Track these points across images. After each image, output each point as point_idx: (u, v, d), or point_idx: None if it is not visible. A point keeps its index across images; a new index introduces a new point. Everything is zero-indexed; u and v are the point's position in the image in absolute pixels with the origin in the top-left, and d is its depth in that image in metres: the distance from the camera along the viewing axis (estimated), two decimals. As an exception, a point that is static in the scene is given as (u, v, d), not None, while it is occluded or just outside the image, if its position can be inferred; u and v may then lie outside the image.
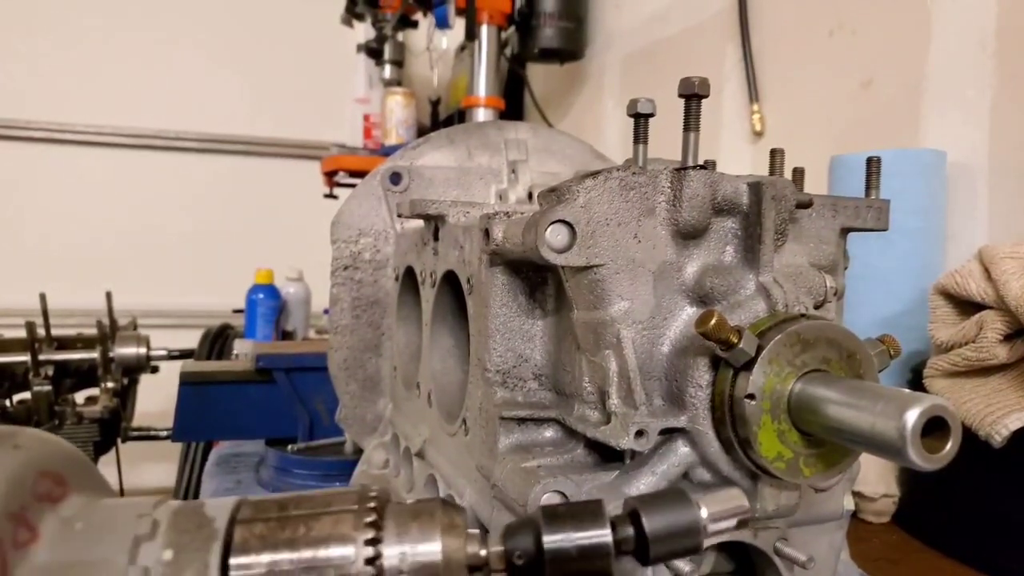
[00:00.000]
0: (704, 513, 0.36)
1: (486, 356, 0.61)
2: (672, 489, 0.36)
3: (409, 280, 0.89)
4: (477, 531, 0.35)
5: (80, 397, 1.51)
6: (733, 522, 0.36)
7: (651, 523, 0.36)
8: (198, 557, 0.33)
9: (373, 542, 0.34)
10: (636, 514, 0.36)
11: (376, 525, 0.34)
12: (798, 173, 0.62)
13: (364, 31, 2.73)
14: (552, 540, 0.34)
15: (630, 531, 0.36)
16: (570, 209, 0.51)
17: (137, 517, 0.34)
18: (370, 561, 0.33)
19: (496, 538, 0.35)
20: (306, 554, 0.33)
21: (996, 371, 0.86)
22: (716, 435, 0.51)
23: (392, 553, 0.34)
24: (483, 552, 0.35)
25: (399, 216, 0.92)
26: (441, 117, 2.73)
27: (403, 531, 0.34)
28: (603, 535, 0.35)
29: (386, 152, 2.30)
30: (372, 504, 0.35)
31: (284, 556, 0.33)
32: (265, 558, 0.33)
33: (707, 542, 0.38)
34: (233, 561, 0.33)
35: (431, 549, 0.34)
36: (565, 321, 0.58)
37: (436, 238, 0.76)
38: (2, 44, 3.05)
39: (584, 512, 0.35)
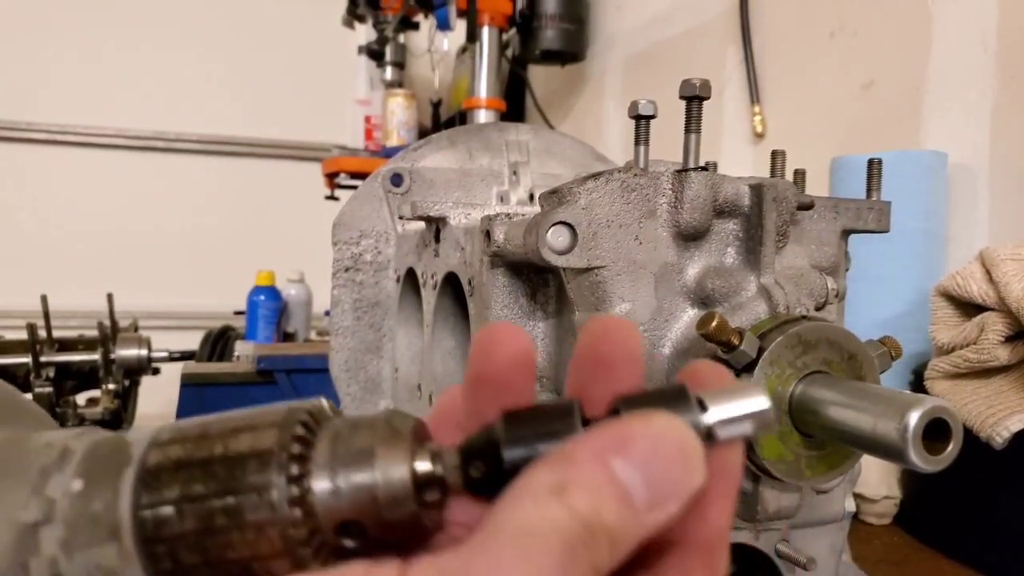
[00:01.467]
0: (709, 416, 0.27)
1: (487, 358, 0.61)
2: (671, 386, 0.28)
3: (410, 282, 0.89)
4: (432, 444, 0.30)
5: (81, 399, 1.51)
6: (748, 426, 0.28)
7: None
8: (109, 485, 0.29)
9: (298, 460, 0.28)
10: (617, 415, 0.28)
11: (303, 441, 0.29)
12: (799, 174, 0.62)
13: (365, 33, 2.73)
14: (513, 450, 0.28)
15: None
16: (571, 211, 0.51)
17: (46, 446, 0.31)
18: (294, 481, 0.28)
19: (452, 451, 0.29)
20: (221, 475, 0.28)
21: (997, 373, 0.86)
22: (717, 437, 0.51)
23: (322, 473, 0.28)
24: (434, 468, 0.29)
25: (400, 218, 0.92)
26: (442, 119, 2.73)
27: (337, 448, 0.29)
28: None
29: (387, 154, 2.30)
30: (301, 419, 0.29)
31: (198, 480, 0.28)
32: (179, 482, 0.28)
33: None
34: (146, 487, 0.29)
35: (369, 466, 0.28)
36: (566, 323, 0.58)
37: (437, 240, 0.76)
38: (3, 46, 3.05)
39: (552, 415, 0.28)
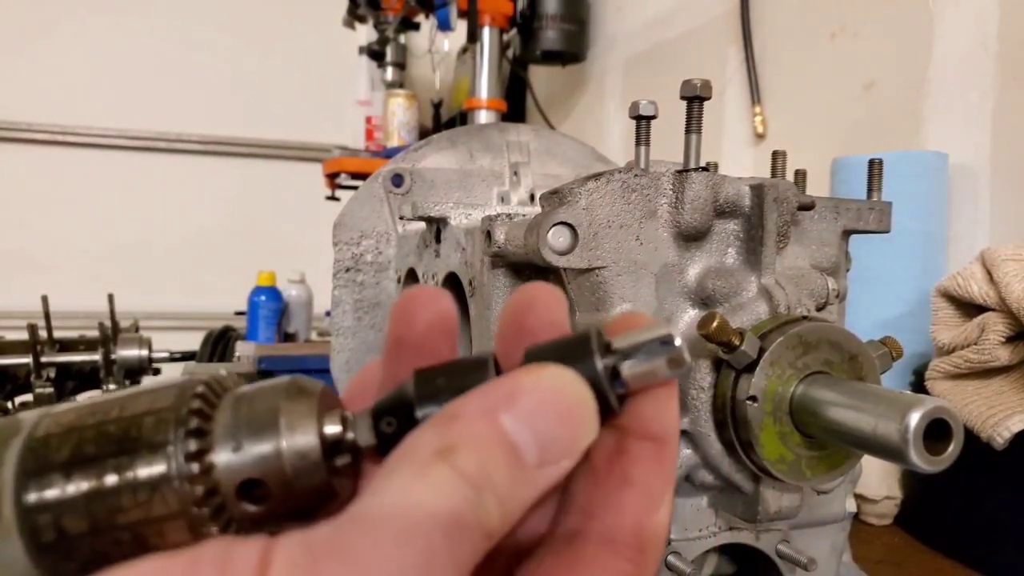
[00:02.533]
0: (613, 358, 0.26)
1: (488, 358, 0.61)
2: (577, 333, 0.27)
3: (411, 282, 0.89)
4: (340, 410, 0.28)
5: (82, 399, 1.51)
6: (660, 365, 0.26)
7: None
8: None
9: (196, 434, 0.26)
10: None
11: (200, 413, 0.27)
12: (800, 175, 0.62)
13: (366, 33, 2.73)
14: (425, 405, 0.26)
15: None
16: (572, 211, 0.51)
17: None
18: (193, 457, 0.26)
19: (364, 414, 0.28)
20: (115, 435, 0.26)
21: (998, 373, 0.86)
22: (718, 437, 0.51)
23: (225, 433, 0.26)
24: (344, 430, 0.27)
25: (401, 218, 0.92)
26: (443, 119, 2.73)
27: (240, 411, 0.27)
28: None
29: (388, 154, 2.30)
30: (199, 390, 0.27)
31: (90, 441, 0.27)
32: (69, 445, 0.27)
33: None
34: (32, 452, 0.27)
35: (274, 428, 0.26)
36: (567, 323, 0.58)
37: (438, 240, 0.76)
38: (4, 46, 3.06)
39: (465, 370, 0.27)
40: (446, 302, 0.29)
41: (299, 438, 0.27)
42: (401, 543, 0.20)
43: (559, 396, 0.24)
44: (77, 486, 0.26)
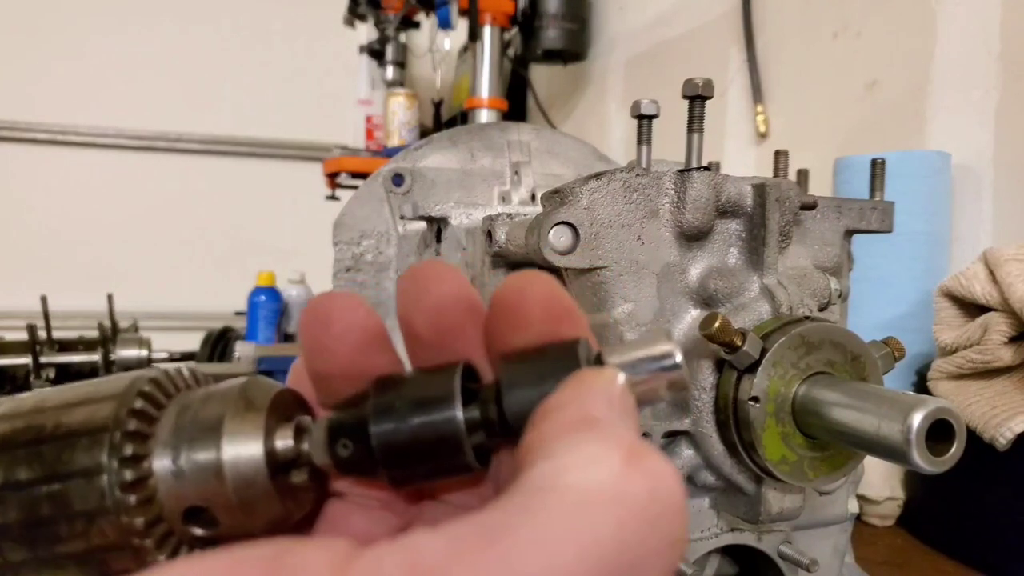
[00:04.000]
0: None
1: (488, 358, 0.60)
2: (562, 344, 0.24)
3: (411, 282, 0.88)
4: (300, 418, 0.26)
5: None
6: (658, 385, 0.23)
7: (511, 397, 0.24)
8: None
9: (134, 437, 0.24)
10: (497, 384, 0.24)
11: (142, 415, 0.25)
12: (802, 175, 0.62)
13: (366, 32, 2.73)
14: (381, 426, 0.24)
15: (490, 409, 0.24)
16: (573, 211, 0.51)
17: None
18: (129, 462, 0.24)
19: (321, 426, 0.25)
20: (48, 458, 0.24)
21: (1001, 373, 0.85)
22: (720, 438, 0.51)
23: (164, 452, 0.24)
24: (298, 444, 0.25)
25: (401, 218, 0.92)
26: (444, 118, 2.73)
27: (183, 422, 0.25)
28: (448, 414, 0.24)
29: (388, 154, 2.30)
30: (142, 389, 0.25)
31: (22, 462, 0.24)
32: (1, 466, 0.25)
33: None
34: None
35: (214, 443, 0.24)
36: (568, 323, 0.58)
37: (439, 240, 0.76)
38: (4, 46, 3.05)
39: (429, 383, 0.24)
40: (363, 311, 0.25)
41: (243, 455, 0.24)
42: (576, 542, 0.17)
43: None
44: (11, 514, 0.24)
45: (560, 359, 0.23)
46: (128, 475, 0.24)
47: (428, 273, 0.25)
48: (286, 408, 0.26)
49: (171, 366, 0.27)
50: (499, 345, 0.25)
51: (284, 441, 0.25)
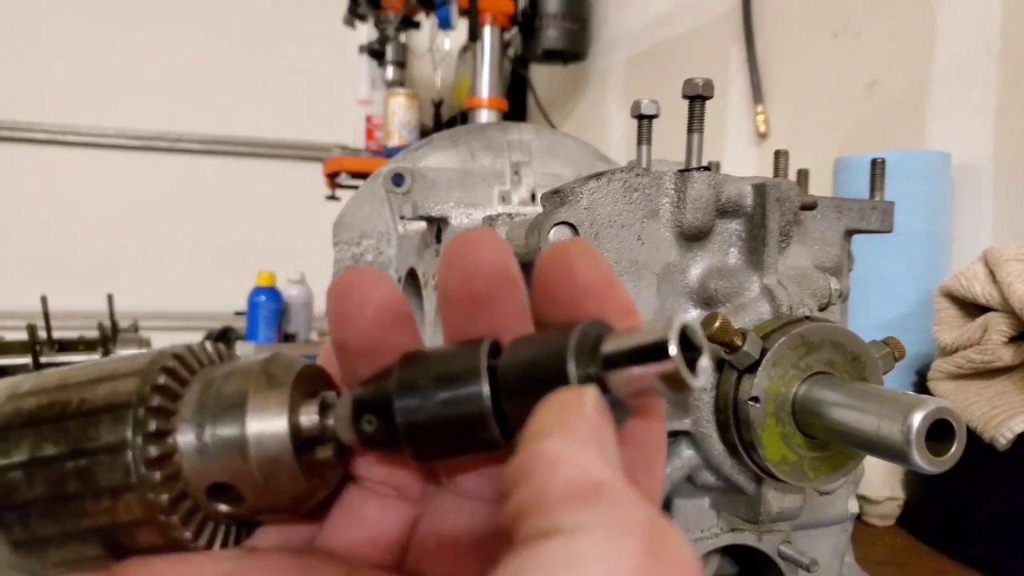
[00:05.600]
0: (588, 370, 0.22)
1: (489, 358, 0.60)
2: (560, 331, 0.23)
3: (412, 282, 0.88)
4: (325, 394, 0.26)
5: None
6: (654, 380, 0.21)
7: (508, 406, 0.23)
8: None
9: (158, 413, 0.24)
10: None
11: (166, 391, 0.25)
12: (802, 174, 0.62)
13: (366, 32, 2.73)
14: (406, 401, 0.24)
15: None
16: (573, 211, 0.51)
17: None
18: (153, 438, 0.24)
19: (346, 402, 0.25)
20: (74, 433, 0.24)
21: (1001, 373, 0.85)
22: (720, 438, 0.51)
23: (188, 428, 0.24)
24: (323, 420, 0.25)
25: (401, 218, 0.92)
26: (444, 118, 2.73)
27: (207, 399, 0.25)
28: (472, 390, 0.23)
29: (388, 154, 2.30)
30: (166, 365, 0.25)
31: (49, 438, 0.24)
32: (29, 441, 0.25)
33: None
34: None
35: (239, 419, 0.24)
36: (568, 323, 0.58)
37: (439, 240, 0.76)
38: (4, 47, 3.06)
39: (455, 358, 0.24)
40: (387, 287, 0.26)
41: (267, 431, 0.24)
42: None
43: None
44: (39, 489, 0.25)
45: (551, 360, 0.22)
46: (153, 451, 0.24)
47: (468, 239, 0.25)
48: (311, 383, 0.26)
49: (194, 343, 0.27)
50: (540, 316, 0.25)
51: (309, 416, 0.25)
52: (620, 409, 0.23)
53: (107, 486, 0.24)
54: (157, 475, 0.24)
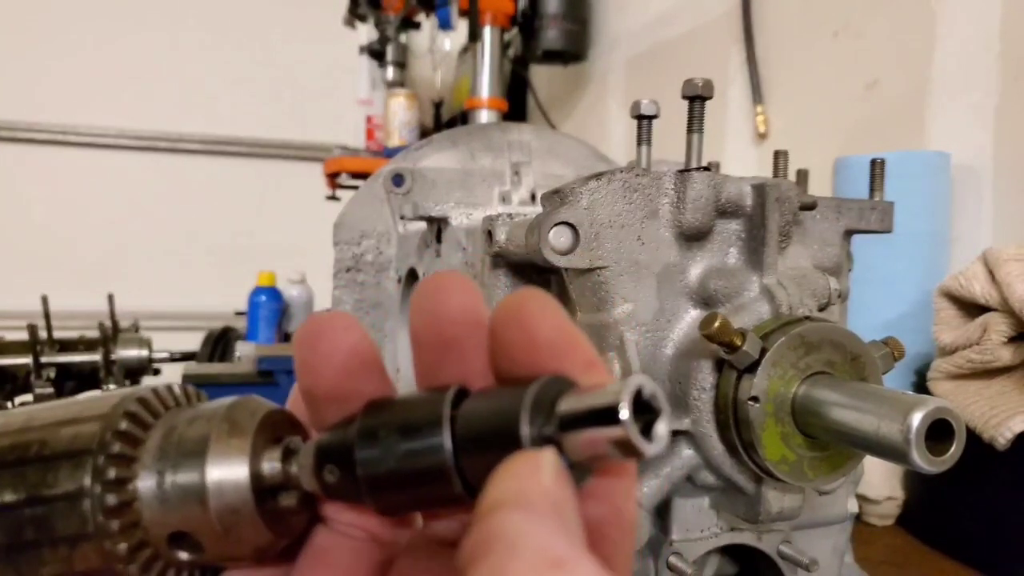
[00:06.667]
0: (544, 430, 0.21)
1: (489, 358, 0.60)
2: (517, 389, 0.22)
3: (412, 282, 0.89)
4: (289, 440, 0.25)
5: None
6: (607, 445, 0.20)
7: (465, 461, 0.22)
8: None
9: (118, 461, 0.23)
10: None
11: (128, 437, 0.24)
12: (802, 175, 0.62)
13: (367, 33, 2.73)
14: (366, 452, 0.23)
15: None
16: (573, 211, 0.51)
17: None
18: (112, 486, 0.23)
19: (309, 449, 0.24)
20: (32, 480, 0.24)
21: (1000, 373, 0.85)
22: (720, 438, 0.51)
23: (149, 475, 0.23)
24: (286, 467, 0.24)
25: (401, 218, 0.92)
26: (444, 119, 2.73)
27: (168, 445, 0.24)
28: (433, 442, 0.22)
29: (389, 154, 2.30)
30: (129, 409, 0.24)
31: (7, 484, 0.24)
32: None
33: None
34: None
35: (197, 468, 0.23)
36: (568, 323, 0.58)
37: (439, 240, 0.76)
38: (4, 46, 3.06)
39: (418, 407, 0.23)
40: (355, 333, 0.25)
41: (227, 479, 0.24)
42: None
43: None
44: None
45: (505, 419, 0.21)
46: (111, 500, 0.23)
47: (438, 282, 0.24)
48: (276, 428, 0.26)
49: (162, 383, 0.26)
50: (499, 372, 0.24)
51: (271, 464, 0.24)
52: (580, 469, 0.22)
53: (64, 535, 0.24)
54: (115, 524, 0.23)
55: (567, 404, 0.21)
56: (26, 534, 0.24)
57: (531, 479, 0.20)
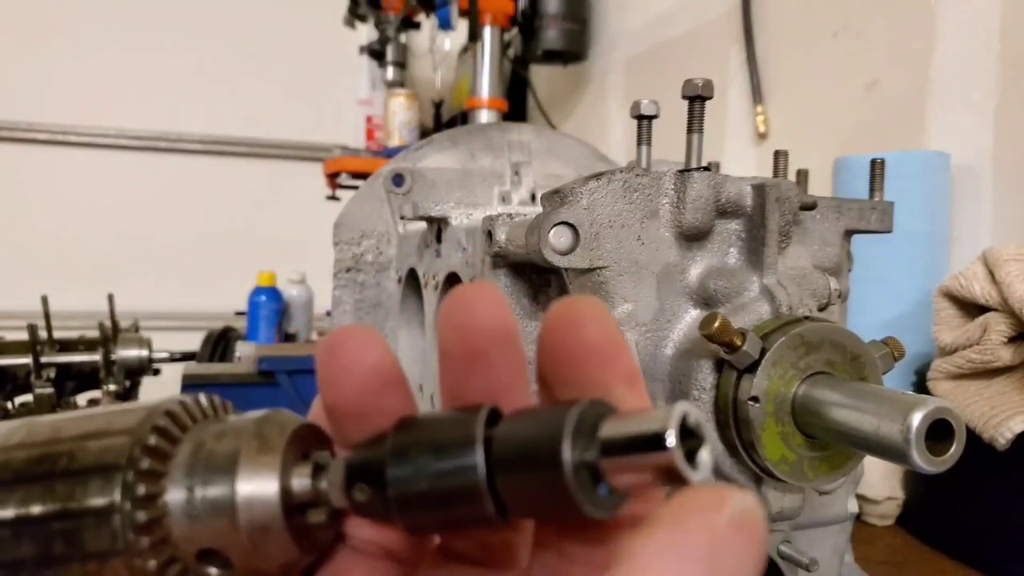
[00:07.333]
0: (587, 455, 0.21)
1: (489, 358, 0.60)
2: (557, 409, 0.22)
3: (412, 282, 0.89)
4: (318, 455, 0.25)
5: (82, 399, 1.50)
6: (649, 473, 0.20)
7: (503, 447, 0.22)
8: None
9: (148, 477, 0.23)
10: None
11: (157, 452, 0.24)
12: (802, 175, 0.62)
13: (367, 33, 2.73)
14: (398, 471, 0.23)
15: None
16: (573, 211, 0.51)
17: None
18: (142, 503, 0.23)
19: (339, 465, 0.24)
20: (62, 494, 0.24)
21: (1000, 373, 0.85)
22: (720, 438, 0.51)
23: (179, 491, 0.24)
24: (315, 484, 0.24)
25: (402, 218, 0.92)
26: (444, 119, 2.73)
27: (197, 461, 0.24)
28: (468, 461, 0.22)
29: (389, 154, 2.30)
30: (158, 424, 0.24)
31: (37, 498, 0.24)
32: (16, 499, 0.24)
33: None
34: None
35: (227, 484, 0.23)
36: (568, 323, 0.58)
37: (439, 240, 0.76)
38: (4, 47, 3.06)
39: (451, 426, 0.23)
40: (377, 349, 0.25)
41: (257, 495, 0.23)
42: None
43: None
44: (26, 549, 0.24)
45: (547, 440, 0.21)
46: (141, 516, 0.23)
47: (466, 293, 0.24)
48: (304, 443, 0.26)
49: (188, 396, 0.26)
50: (543, 369, 0.24)
51: (301, 480, 0.24)
52: (617, 496, 0.22)
53: (94, 550, 0.24)
54: (145, 541, 0.23)
55: (609, 429, 0.21)
56: (55, 548, 0.24)
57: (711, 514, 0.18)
